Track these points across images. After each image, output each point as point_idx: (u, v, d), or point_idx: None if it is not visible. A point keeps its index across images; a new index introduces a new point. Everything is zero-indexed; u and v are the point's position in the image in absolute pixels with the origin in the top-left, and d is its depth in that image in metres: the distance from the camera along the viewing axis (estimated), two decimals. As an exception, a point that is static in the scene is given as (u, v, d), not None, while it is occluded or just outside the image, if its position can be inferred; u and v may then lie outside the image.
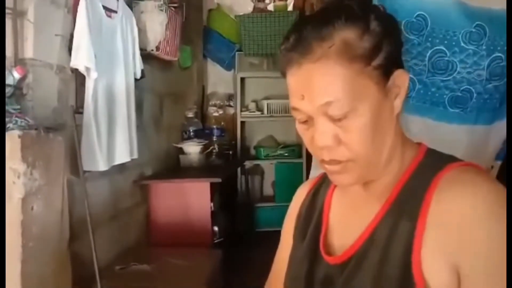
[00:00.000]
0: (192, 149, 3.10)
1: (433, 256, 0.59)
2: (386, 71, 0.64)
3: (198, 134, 3.39)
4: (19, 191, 1.31)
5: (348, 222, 0.74)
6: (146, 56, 2.38)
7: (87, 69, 1.73)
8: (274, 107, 4.09)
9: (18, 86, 1.43)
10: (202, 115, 4.02)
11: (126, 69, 2.05)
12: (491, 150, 1.33)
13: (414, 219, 0.61)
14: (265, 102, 4.12)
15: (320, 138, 0.64)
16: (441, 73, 1.22)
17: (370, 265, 0.63)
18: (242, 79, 4.22)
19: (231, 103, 4.26)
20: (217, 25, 4.10)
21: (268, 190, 4.41)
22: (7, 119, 1.30)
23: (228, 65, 4.24)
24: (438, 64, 1.21)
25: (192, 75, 3.82)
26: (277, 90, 4.11)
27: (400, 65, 0.68)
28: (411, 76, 1.11)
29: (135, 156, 2.16)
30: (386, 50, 0.64)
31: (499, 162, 1.42)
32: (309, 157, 1.72)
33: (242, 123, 4.21)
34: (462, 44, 1.20)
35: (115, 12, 1.98)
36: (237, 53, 4.13)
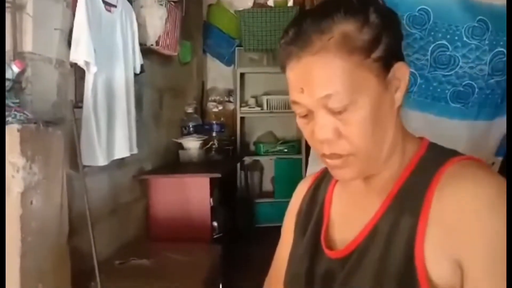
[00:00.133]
0: (192, 144, 3.10)
1: (435, 251, 0.58)
2: (386, 64, 0.64)
3: (198, 130, 3.38)
4: (18, 185, 1.30)
5: (350, 217, 0.73)
6: (146, 51, 2.37)
7: (87, 63, 1.72)
8: (274, 103, 4.08)
9: (17, 80, 1.42)
10: (202, 110, 4.01)
11: (125, 63, 2.04)
12: (491, 146, 1.33)
13: (416, 214, 0.61)
14: (264, 98, 4.11)
15: (320, 132, 0.64)
16: (443, 68, 1.21)
17: (372, 260, 0.63)
18: (242, 75, 4.21)
19: (231, 99, 4.26)
20: (217, 20, 4.08)
21: (267, 186, 4.41)
22: (6, 113, 1.29)
23: (228, 61, 4.23)
24: (440, 58, 1.21)
25: (191, 70, 3.81)
26: (277, 86, 4.11)
27: (400, 58, 0.68)
28: (413, 71, 1.10)
29: (135, 151, 2.15)
30: (386, 43, 0.63)
31: (500, 159, 1.41)
32: (308, 153, 1.71)
33: (242, 118, 4.20)
34: (465, 38, 1.19)
35: (115, 6, 1.97)
36: (237, 48, 4.12)
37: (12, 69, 1.38)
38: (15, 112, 1.32)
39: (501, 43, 1.19)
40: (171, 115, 3.21)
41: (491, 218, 0.56)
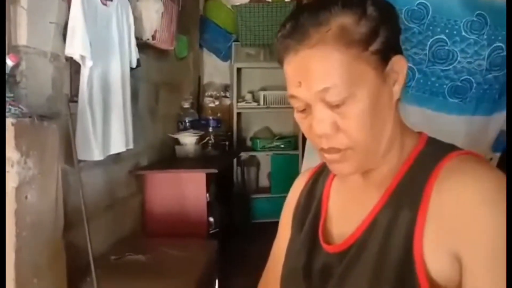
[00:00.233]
0: (188, 139, 3.09)
1: (434, 246, 0.58)
2: (384, 56, 0.63)
3: (194, 125, 3.37)
4: (13, 180, 1.29)
5: (348, 211, 0.73)
6: (142, 45, 2.35)
7: (82, 57, 1.70)
8: (271, 98, 4.08)
9: (11, 74, 1.40)
10: (198, 105, 4.00)
11: (121, 57, 2.02)
12: (489, 141, 1.33)
13: (415, 208, 0.61)
14: (261, 93, 4.11)
15: (318, 126, 0.63)
16: (441, 62, 1.20)
17: (370, 254, 0.63)
18: (239, 70, 4.20)
19: (228, 94, 4.25)
20: (214, 15, 4.06)
21: (264, 182, 4.42)
22: None
23: (225, 56, 4.21)
24: (438, 53, 1.20)
25: (188, 65, 3.79)
26: (274, 81, 4.11)
27: (398, 52, 0.67)
28: (411, 65, 1.10)
29: (131, 146, 2.14)
30: (384, 35, 0.63)
31: (498, 154, 1.41)
32: (305, 148, 1.71)
33: (238, 114, 4.20)
34: (463, 33, 1.18)
35: (110, 0, 1.95)
36: (233, 43, 4.10)
37: (7, 63, 1.36)
38: (10, 106, 1.31)
39: (500, 37, 1.19)
40: (167, 110, 3.20)
41: (490, 213, 0.55)
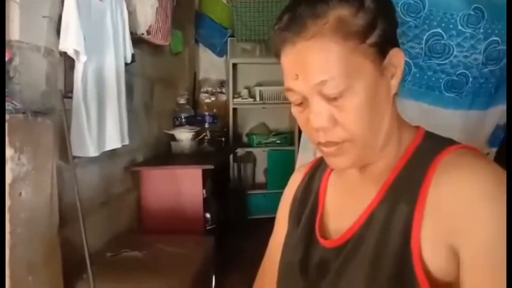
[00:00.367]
0: (184, 135, 3.08)
1: (432, 240, 0.58)
2: (381, 49, 0.63)
3: (190, 121, 3.36)
4: (6, 176, 1.28)
5: (345, 206, 0.73)
6: (137, 40, 2.33)
7: (76, 52, 1.69)
8: (267, 94, 4.07)
9: (4, 69, 1.39)
10: (194, 101, 3.98)
11: (116, 53, 2.01)
12: (485, 136, 1.33)
13: (412, 202, 0.60)
14: (257, 89, 4.10)
15: (315, 119, 0.63)
16: (437, 56, 1.20)
17: (368, 249, 0.63)
18: (234, 65, 4.19)
19: (223, 90, 4.23)
20: (209, 10, 4.04)
21: (260, 178, 4.42)
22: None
23: (220, 51, 4.20)
24: (434, 47, 1.20)
25: (183, 60, 3.78)
26: (270, 77, 4.10)
27: (395, 45, 0.67)
28: (407, 59, 1.09)
29: (126, 142, 2.13)
30: (381, 28, 0.63)
31: (494, 149, 1.41)
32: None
33: (234, 110, 4.18)
34: (460, 27, 1.18)
35: (105, -6, 1.93)
36: (229, 38, 4.08)
37: (-1, 58, 1.35)
38: (3, 102, 1.29)
39: (496, 31, 1.18)
40: (162, 106, 3.19)
41: (488, 207, 0.55)
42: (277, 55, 0.67)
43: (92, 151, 1.83)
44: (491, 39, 1.18)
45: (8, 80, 1.42)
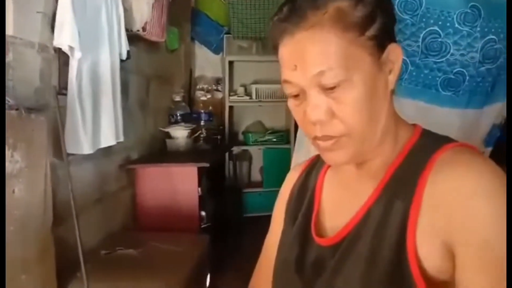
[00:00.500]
0: (180, 133, 3.07)
1: (427, 238, 0.58)
2: (380, 44, 0.63)
3: (186, 118, 3.35)
4: (-1, 173, 1.27)
5: (341, 204, 0.73)
6: (132, 37, 2.32)
7: (71, 48, 1.67)
8: (263, 92, 4.06)
9: (-3, 65, 1.37)
10: (190, 99, 3.97)
11: (111, 49, 1.99)
12: (481, 134, 1.32)
13: (409, 200, 0.60)
14: (253, 87, 4.09)
15: (312, 112, 0.62)
16: (434, 54, 1.20)
17: (363, 247, 0.62)
18: (231, 63, 4.17)
19: (219, 87, 4.22)
20: (206, 7, 4.02)
21: (256, 176, 4.41)
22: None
23: (216, 48, 4.18)
24: (431, 45, 1.19)
25: (179, 57, 3.76)
26: (266, 75, 4.09)
27: (394, 41, 0.67)
28: (404, 58, 1.09)
29: (121, 139, 2.11)
30: (380, 22, 0.63)
31: (489, 149, 1.41)
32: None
33: (230, 107, 4.18)
34: (457, 25, 1.17)
35: (100, -10, 1.92)
36: (225, 36, 4.07)
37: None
38: (-4, 98, 1.28)
39: (493, 30, 1.18)
40: (158, 103, 3.17)
41: (485, 204, 0.55)
42: (275, 47, 0.67)
43: (87, 149, 1.82)
44: (488, 37, 1.18)
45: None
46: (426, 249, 0.58)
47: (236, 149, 4.24)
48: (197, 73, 4.29)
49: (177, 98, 3.45)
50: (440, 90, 1.23)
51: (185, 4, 3.80)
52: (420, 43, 1.20)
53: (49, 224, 1.53)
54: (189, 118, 3.43)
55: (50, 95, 1.65)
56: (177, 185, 2.54)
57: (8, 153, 1.29)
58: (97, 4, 1.90)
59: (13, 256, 1.31)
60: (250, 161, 4.39)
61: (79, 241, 1.61)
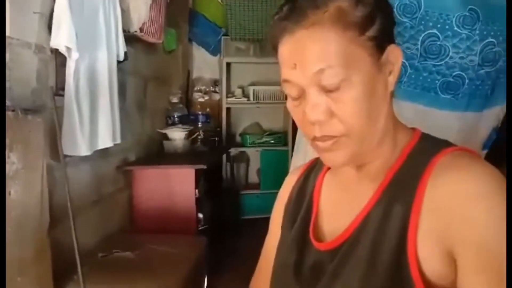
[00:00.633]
0: (177, 135, 3.06)
1: (428, 241, 0.58)
2: (379, 44, 0.63)
3: (183, 120, 3.34)
4: (-5, 174, 1.26)
5: (339, 208, 0.72)
6: (130, 38, 2.31)
7: (68, 49, 1.66)
8: (261, 94, 4.05)
9: (-6, 65, 1.36)
10: (187, 100, 3.96)
11: (108, 50, 1.98)
12: (480, 138, 1.33)
13: (409, 204, 0.60)
14: (251, 89, 4.08)
15: (312, 112, 0.62)
16: (433, 57, 1.20)
17: (363, 251, 0.62)
18: (228, 64, 4.17)
19: (217, 89, 4.21)
20: (203, 8, 4.02)
21: (253, 178, 4.40)
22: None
23: (214, 50, 4.18)
24: (430, 48, 1.20)
25: (177, 59, 3.75)
26: (264, 77, 4.09)
27: (393, 43, 0.67)
28: (403, 60, 1.09)
29: (118, 141, 2.11)
30: (380, 23, 0.63)
31: (484, 152, 1.41)
32: (294, 144, 1.71)
33: (228, 109, 4.17)
34: (456, 28, 1.18)
35: (97, -10, 1.91)
36: (223, 37, 4.06)
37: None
38: (-8, 99, 1.27)
39: (492, 33, 1.18)
40: (155, 104, 3.16)
41: (484, 208, 0.55)
42: (275, 47, 0.66)
43: (84, 150, 1.81)
44: (487, 40, 1.18)
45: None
46: (426, 253, 0.57)
47: (233, 151, 4.24)
48: (194, 74, 4.28)
49: (175, 100, 3.45)
50: (439, 93, 1.23)
51: (182, 5, 3.80)
52: (419, 46, 1.20)
53: (45, 226, 1.52)
54: (187, 119, 3.42)
55: (47, 96, 1.64)
56: (174, 187, 2.53)
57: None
58: (95, 5, 1.89)
59: (10, 257, 1.30)
60: (247, 163, 4.38)
61: (76, 243, 1.60)
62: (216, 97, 4.19)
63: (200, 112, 3.73)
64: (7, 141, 1.29)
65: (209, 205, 2.95)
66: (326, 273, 0.66)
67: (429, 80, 1.23)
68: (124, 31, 2.16)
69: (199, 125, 3.53)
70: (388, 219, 0.61)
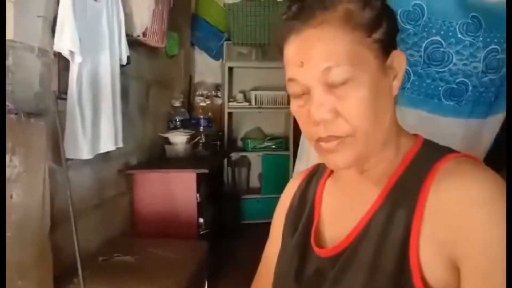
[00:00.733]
0: (179, 139, 3.06)
1: (430, 247, 0.57)
2: (385, 48, 0.64)
3: (185, 124, 3.34)
4: (-3, 178, 1.26)
5: (341, 213, 0.72)
6: (132, 42, 2.31)
7: (71, 53, 1.67)
8: (262, 99, 4.05)
9: (-3, 69, 1.36)
10: (189, 104, 3.96)
11: (111, 54, 1.99)
12: (484, 145, 1.32)
13: (411, 210, 0.60)
14: (253, 93, 4.08)
15: (317, 111, 0.62)
16: (436, 64, 1.20)
17: (365, 256, 0.62)
18: (230, 69, 4.17)
19: (219, 93, 4.22)
20: (206, 13, 4.03)
21: (254, 182, 4.40)
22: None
23: (216, 54, 4.19)
24: (433, 55, 1.20)
25: (179, 63, 3.76)
26: (266, 81, 4.09)
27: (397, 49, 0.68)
28: (407, 67, 1.09)
29: (120, 144, 2.10)
30: (386, 27, 0.64)
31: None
32: (296, 149, 1.71)
33: (230, 114, 4.17)
34: (459, 35, 1.18)
35: (101, -5, 1.91)
36: (225, 42, 4.07)
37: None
38: (-5, 102, 1.27)
39: (495, 40, 1.19)
40: (157, 108, 3.17)
41: (487, 214, 0.55)
42: (280, 47, 0.67)
43: (86, 154, 1.80)
44: (490, 47, 1.18)
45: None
46: (428, 259, 0.57)
47: (235, 155, 4.23)
48: (196, 79, 4.29)
49: (177, 104, 3.45)
50: (443, 99, 1.23)
51: (185, 9, 3.81)
52: (422, 53, 1.20)
53: (46, 229, 1.52)
54: (188, 124, 3.42)
55: (50, 100, 1.64)
56: (175, 191, 2.53)
57: (6, 157, 1.28)
58: (98, 9, 1.90)
59: (10, 261, 1.30)
60: (248, 168, 4.38)
61: (77, 247, 1.60)
62: (218, 101, 4.20)
63: (202, 117, 3.74)
64: (9, 144, 1.29)
65: (210, 210, 2.94)
66: (327, 280, 0.65)
67: (432, 86, 1.23)
68: (127, 35, 2.16)
69: (201, 129, 3.54)
70: (391, 224, 0.61)
